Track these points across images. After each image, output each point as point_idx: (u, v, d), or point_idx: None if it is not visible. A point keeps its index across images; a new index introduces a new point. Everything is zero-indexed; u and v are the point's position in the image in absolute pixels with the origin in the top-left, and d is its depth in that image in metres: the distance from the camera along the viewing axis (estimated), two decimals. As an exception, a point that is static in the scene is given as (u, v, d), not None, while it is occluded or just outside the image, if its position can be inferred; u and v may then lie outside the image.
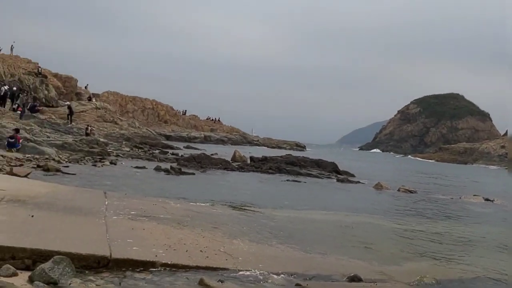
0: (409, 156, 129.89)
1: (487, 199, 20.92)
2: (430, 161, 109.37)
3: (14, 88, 33.39)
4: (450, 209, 17.14)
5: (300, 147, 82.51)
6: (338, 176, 26.91)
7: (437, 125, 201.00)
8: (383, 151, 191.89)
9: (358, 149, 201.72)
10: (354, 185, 23.58)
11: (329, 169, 29.55)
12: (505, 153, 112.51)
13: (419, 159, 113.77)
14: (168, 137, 60.27)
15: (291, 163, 28.77)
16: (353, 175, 28.99)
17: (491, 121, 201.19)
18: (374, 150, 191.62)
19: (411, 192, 22.05)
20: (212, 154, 32.13)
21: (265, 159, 29.33)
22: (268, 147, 74.98)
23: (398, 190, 22.17)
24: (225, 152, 38.92)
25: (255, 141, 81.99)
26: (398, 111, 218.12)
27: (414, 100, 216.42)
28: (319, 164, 30.26)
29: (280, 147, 76.25)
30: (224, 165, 25.54)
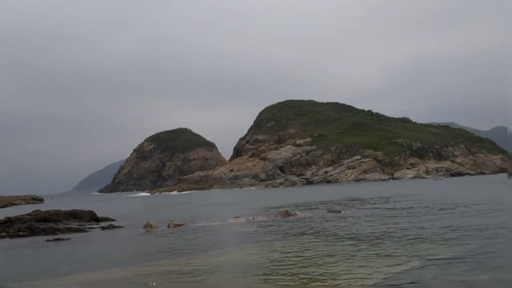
0: (154, 193, 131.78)
1: (248, 219, 23.09)
2: (172, 193, 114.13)
3: None
4: (229, 234, 18.11)
5: (38, 200, 73.89)
6: (101, 224, 25.09)
7: (172, 159, 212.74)
8: (123, 191, 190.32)
9: (98, 193, 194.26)
10: (122, 230, 22.34)
11: (88, 218, 27.38)
12: (234, 176, 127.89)
13: (164, 193, 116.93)
14: None
15: (44, 220, 25.33)
16: (114, 220, 27.74)
17: (217, 149, 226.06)
18: (105, 193, 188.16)
19: (179, 225, 22.37)
20: None
21: (9, 221, 24.87)
22: (-3, 207, 64.17)
23: (168, 226, 22.17)
24: None
25: (-22, 203, 68.81)
26: (133, 149, 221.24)
27: (148, 137, 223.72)
28: (75, 215, 27.66)
29: (13, 204, 66.51)
30: (-45, 238, 20.40)
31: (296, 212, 24.51)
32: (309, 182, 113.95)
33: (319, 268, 9.94)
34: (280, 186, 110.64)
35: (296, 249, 12.81)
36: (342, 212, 23.71)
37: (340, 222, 19.34)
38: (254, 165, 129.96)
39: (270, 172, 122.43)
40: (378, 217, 20.61)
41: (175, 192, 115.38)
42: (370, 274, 9.08)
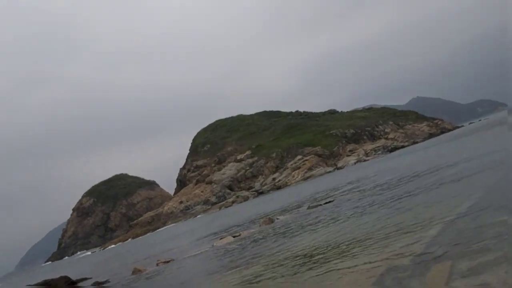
0: (107, 246, 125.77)
1: (235, 236, 22.77)
2: (127, 241, 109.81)
3: None
4: (227, 256, 17.73)
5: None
6: (82, 284, 23.53)
7: (115, 208, 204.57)
8: (72, 254, 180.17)
9: (48, 263, 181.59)
10: (111, 284, 21.08)
11: (63, 285, 25.57)
12: (185, 207, 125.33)
13: (119, 243, 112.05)
14: None
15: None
16: (90, 278, 26.18)
17: (159, 186, 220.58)
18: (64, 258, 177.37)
19: (168, 262, 21.61)
20: None
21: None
22: None
23: (157, 265, 21.35)
24: None
25: None
26: (73, 209, 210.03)
27: (85, 193, 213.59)
28: (49, 284, 25.68)
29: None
30: None
31: (278, 217, 24.51)
32: (260, 193, 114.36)
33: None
34: (234, 204, 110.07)
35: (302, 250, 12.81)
36: (323, 205, 24.03)
37: (333, 210, 19.62)
38: (202, 191, 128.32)
39: (220, 193, 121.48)
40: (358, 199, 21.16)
41: (129, 240, 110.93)
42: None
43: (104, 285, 21.10)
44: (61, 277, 27.16)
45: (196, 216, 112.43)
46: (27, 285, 25.56)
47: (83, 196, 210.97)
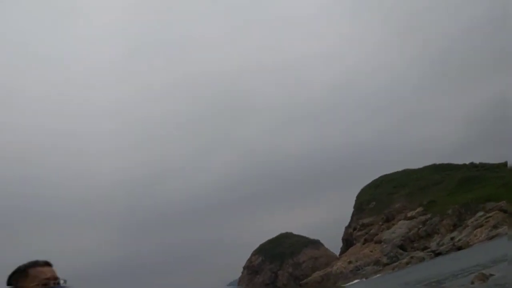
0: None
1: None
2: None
3: None
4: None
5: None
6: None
7: (282, 267, 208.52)
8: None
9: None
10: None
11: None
12: (355, 267, 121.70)
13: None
14: None
15: None
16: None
17: (323, 245, 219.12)
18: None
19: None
20: None
21: None
22: None
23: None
24: None
25: None
26: (243, 267, 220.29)
27: (254, 251, 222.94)
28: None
29: None
30: None
31: (491, 273, 22.35)
32: (437, 254, 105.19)
33: None
34: (408, 265, 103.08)
35: None
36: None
37: None
38: (371, 251, 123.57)
39: (391, 253, 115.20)
40: None
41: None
42: None
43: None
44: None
45: (366, 277, 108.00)
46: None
47: (252, 255, 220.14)
